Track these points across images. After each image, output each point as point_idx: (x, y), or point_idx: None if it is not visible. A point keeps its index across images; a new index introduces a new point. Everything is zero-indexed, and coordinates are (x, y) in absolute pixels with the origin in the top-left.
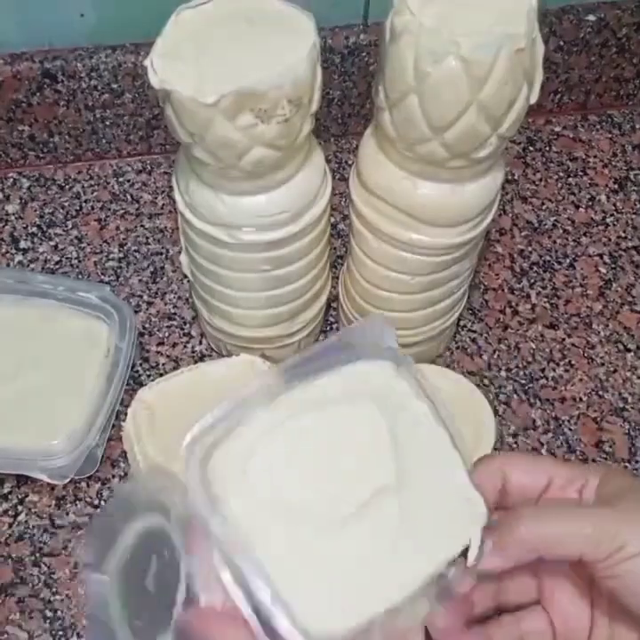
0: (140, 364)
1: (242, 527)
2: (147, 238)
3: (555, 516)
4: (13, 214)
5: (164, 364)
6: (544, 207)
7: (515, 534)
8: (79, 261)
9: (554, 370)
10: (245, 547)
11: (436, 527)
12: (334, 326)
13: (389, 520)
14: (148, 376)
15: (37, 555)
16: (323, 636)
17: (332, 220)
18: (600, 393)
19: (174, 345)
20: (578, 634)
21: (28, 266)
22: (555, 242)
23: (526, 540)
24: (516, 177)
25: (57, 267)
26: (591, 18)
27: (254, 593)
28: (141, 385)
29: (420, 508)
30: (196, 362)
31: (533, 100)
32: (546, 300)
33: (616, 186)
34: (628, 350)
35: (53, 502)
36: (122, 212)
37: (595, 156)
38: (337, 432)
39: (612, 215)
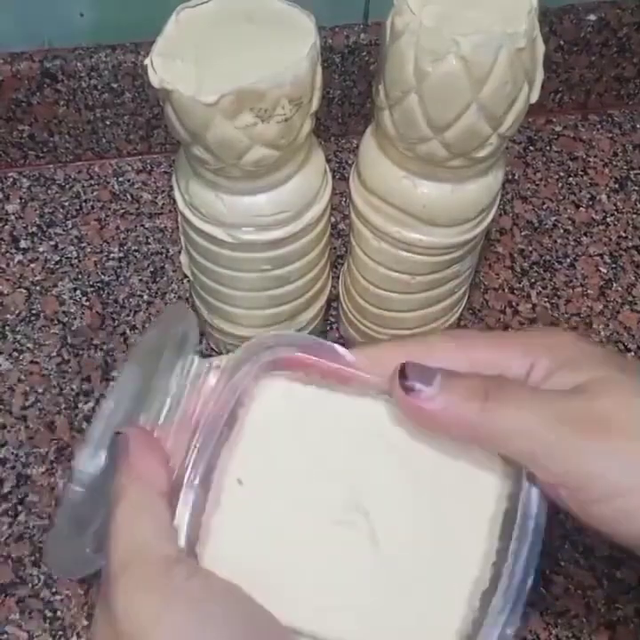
0: None
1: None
2: (147, 238)
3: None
4: (13, 214)
5: None
6: (544, 207)
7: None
8: (79, 261)
9: None
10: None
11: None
12: (334, 326)
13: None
14: None
15: (37, 555)
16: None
17: (332, 219)
18: None
19: None
20: None
21: (28, 265)
22: (555, 241)
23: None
24: (516, 177)
25: (57, 266)
26: (592, 17)
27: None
28: None
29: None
30: None
31: (534, 99)
32: (546, 299)
33: (616, 185)
34: (629, 350)
35: (53, 502)
36: (122, 211)
37: (595, 156)
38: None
39: (612, 215)
